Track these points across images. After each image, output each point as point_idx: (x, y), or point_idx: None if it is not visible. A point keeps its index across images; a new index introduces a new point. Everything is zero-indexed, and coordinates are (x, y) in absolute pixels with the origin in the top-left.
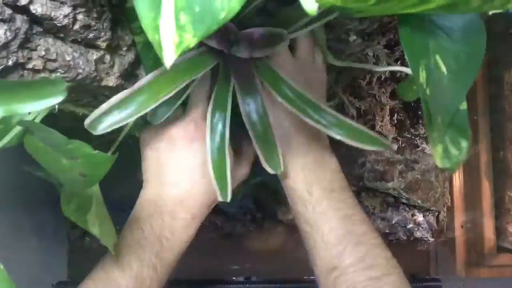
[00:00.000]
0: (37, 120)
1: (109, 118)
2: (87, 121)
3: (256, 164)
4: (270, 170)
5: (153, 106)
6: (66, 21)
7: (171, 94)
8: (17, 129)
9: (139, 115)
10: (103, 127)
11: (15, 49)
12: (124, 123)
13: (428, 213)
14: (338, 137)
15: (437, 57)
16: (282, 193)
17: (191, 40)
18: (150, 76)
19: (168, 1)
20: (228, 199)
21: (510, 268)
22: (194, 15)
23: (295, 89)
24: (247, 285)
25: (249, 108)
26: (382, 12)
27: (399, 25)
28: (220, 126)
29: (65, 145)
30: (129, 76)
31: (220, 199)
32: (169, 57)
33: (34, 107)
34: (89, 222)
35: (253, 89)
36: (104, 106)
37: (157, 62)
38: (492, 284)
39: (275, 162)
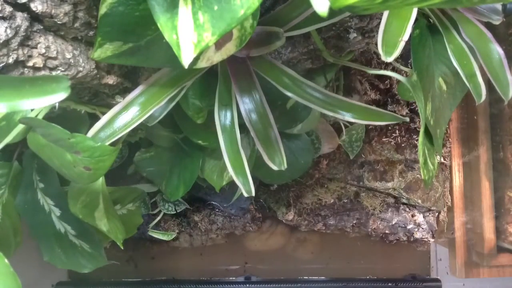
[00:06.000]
0: (39, 117)
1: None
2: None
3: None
4: (275, 168)
5: (156, 107)
6: (66, 18)
7: (170, 96)
8: (20, 126)
9: (144, 118)
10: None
11: (16, 47)
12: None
13: (428, 213)
14: (346, 118)
15: (440, 79)
16: (282, 193)
17: (210, 39)
18: (153, 77)
19: (185, 1)
20: (253, 193)
21: (510, 268)
22: (213, 13)
23: (293, 76)
24: (247, 285)
25: (249, 107)
26: (388, 9)
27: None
28: (228, 123)
29: (67, 139)
30: (129, 73)
31: (245, 194)
32: (187, 57)
33: (38, 104)
34: (97, 218)
35: (252, 88)
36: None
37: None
38: (492, 284)
39: (278, 160)
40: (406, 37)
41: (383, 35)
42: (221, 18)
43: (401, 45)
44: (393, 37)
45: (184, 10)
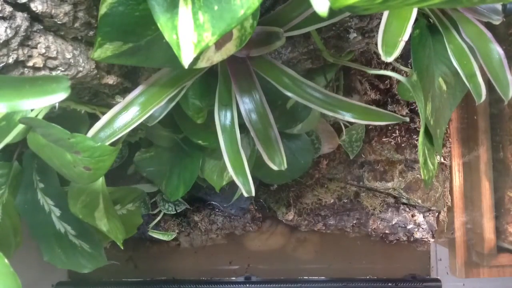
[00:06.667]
0: (39, 117)
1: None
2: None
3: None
4: (275, 168)
5: (156, 107)
6: (66, 18)
7: (170, 96)
8: (20, 126)
9: (144, 118)
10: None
11: (16, 47)
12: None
13: (428, 214)
14: (346, 118)
15: (440, 79)
16: (282, 193)
17: (210, 39)
18: (153, 77)
19: (186, 1)
20: (253, 193)
21: (510, 268)
22: (213, 13)
23: (293, 76)
24: (247, 285)
25: (249, 107)
26: (388, 9)
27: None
28: (228, 123)
29: (67, 139)
30: (129, 73)
31: (245, 194)
32: (187, 57)
33: (38, 104)
34: (97, 218)
35: (252, 88)
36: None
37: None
38: (492, 284)
39: (278, 160)
40: (406, 37)
41: (383, 35)
42: (221, 18)
43: (401, 45)
44: (393, 37)
45: (184, 10)
